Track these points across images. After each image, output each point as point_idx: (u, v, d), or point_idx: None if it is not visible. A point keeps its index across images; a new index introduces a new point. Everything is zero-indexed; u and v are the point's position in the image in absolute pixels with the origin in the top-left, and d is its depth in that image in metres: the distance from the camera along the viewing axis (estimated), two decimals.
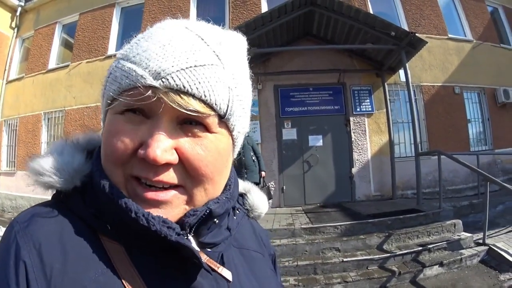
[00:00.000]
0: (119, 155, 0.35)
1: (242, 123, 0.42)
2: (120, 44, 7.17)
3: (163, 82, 0.33)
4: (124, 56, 0.37)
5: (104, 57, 7.05)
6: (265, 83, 6.21)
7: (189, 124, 0.36)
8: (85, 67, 7.16)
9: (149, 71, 0.34)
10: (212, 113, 0.36)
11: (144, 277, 0.35)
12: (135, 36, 0.40)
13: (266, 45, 5.79)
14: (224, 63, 0.37)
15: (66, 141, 0.43)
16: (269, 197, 5.12)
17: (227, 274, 0.39)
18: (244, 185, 0.55)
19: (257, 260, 0.50)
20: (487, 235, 4.04)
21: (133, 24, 7.06)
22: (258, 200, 0.54)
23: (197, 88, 0.34)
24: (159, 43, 0.35)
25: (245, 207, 0.53)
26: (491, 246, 3.85)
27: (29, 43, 8.37)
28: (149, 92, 0.33)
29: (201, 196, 0.38)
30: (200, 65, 0.35)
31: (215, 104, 0.36)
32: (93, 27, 7.33)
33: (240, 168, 4.52)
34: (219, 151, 0.38)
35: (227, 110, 0.37)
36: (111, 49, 7.11)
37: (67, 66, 7.41)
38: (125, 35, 7.22)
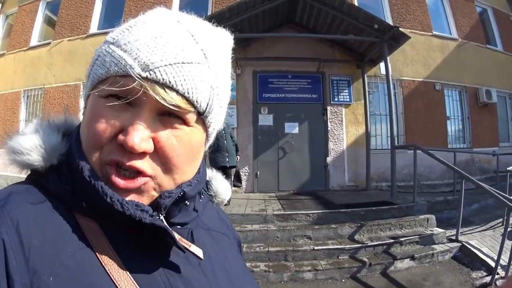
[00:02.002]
0: (99, 139, 0.36)
1: (218, 120, 0.43)
2: (102, 24, 7.10)
3: (150, 74, 0.34)
4: (114, 41, 0.37)
5: (85, 35, 6.97)
6: (244, 68, 6.20)
7: (167, 115, 0.37)
8: (67, 45, 7.07)
9: (139, 61, 0.34)
10: (192, 109, 0.38)
11: (119, 253, 0.36)
12: (127, 21, 0.40)
13: (248, 30, 5.76)
14: (210, 62, 0.38)
15: (42, 121, 0.43)
16: (240, 181, 5.13)
17: (198, 252, 0.41)
18: (208, 172, 0.56)
19: (225, 241, 0.52)
20: (461, 232, 4.07)
21: (116, 4, 6.98)
22: (221, 187, 0.55)
23: (181, 85, 0.35)
24: (151, 35, 0.36)
25: (209, 193, 0.55)
26: (464, 243, 3.86)
27: (13, 19, 8.24)
28: (136, 82, 0.34)
29: (169, 185, 0.40)
30: (188, 63, 0.36)
31: (196, 102, 0.37)
32: (76, 5, 7.23)
33: (222, 151, 4.51)
34: (191, 143, 0.40)
35: (206, 108, 0.39)
36: (93, 28, 7.03)
37: (49, 43, 7.31)
38: (108, 15, 7.16)
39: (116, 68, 0.35)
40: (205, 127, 0.42)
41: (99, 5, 7.21)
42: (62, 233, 0.35)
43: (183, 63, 0.36)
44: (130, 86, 0.34)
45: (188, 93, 0.36)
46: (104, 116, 0.36)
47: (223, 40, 0.43)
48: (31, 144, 0.38)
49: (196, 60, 0.37)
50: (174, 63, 0.35)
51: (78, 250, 0.34)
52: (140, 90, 0.34)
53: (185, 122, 0.38)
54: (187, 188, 0.41)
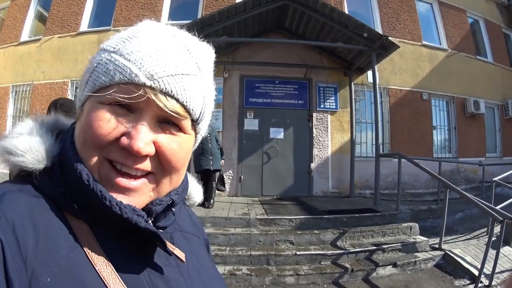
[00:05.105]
0: (100, 139, 0.37)
1: (205, 127, 0.47)
2: (92, 22, 7.09)
3: (154, 83, 0.37)
4: (116, 51, 0.39)
5: (75, 33, 6.94)
6: (231, 72, 6.20)
7: (166, 123, 0.40)
8: (57, 42, 7.04)
9: (143, 71, 0.37)
10: (189, 117, 0.41)
11: (107, 253, 0.38)
12: (122, 30, 0.42)
13: (237, 35, 5.76)
14: (202, 74, 0.42)
15: (34, 122, 0.44)
16: (224, 184, 5.15)
17: (181, 255, 0.44)
18: None
19: (196, 242, 0.55)
20: (444, 241, 4.08)
21: (107, 3, 6.95)
22: (194, 190, 0.58)
23: (181, 94, 0.39)
24: (153, 47, 0.38)
25: None
26: (447, 252, 3.88)
27: (4, 13, 8.19)
28: (141, 91, 0.37)
29: (166, 185, 0.43)
30: (187, 74, 0.39)
31: (192, 110, 0.41)
32: (68, 2, 7.19)
33: (206, 155, 4.53)
34: (188, 149, 0.44)
35: (199, 116, 0.43)
36: (83, 26, 6.99)
37: (39, 39, 7.27)
38: (99, 14, 7.14)
39: (121, 76, 0.37)
40: (195, 133, 0.45)
41: (91, 3, 7.18)
42: (55, 233, 0.36)
43: (182, 74, 0.39)
44: (137, 94, 0.36)
45: (186, 101, 0.39)
46: (106, 119, 0.38)
47: (208, 54, 0.46)
48: (26, 145, 0.39)
49: (192, 72, 0.40)
50: (175, 74, 0.38)
51: (71, 250, 0.35)
52: (143, 97, 0.37)
53: (181, 129, 0.41)
54: (175, 197, 0.44)
